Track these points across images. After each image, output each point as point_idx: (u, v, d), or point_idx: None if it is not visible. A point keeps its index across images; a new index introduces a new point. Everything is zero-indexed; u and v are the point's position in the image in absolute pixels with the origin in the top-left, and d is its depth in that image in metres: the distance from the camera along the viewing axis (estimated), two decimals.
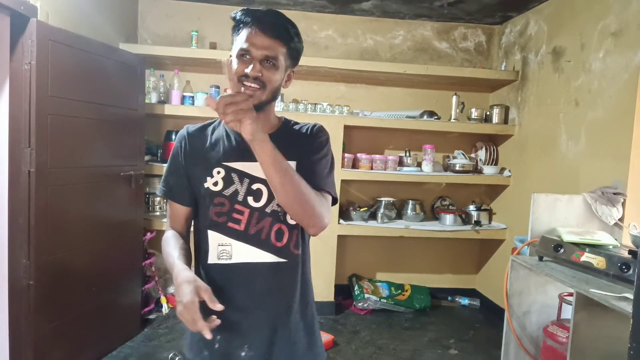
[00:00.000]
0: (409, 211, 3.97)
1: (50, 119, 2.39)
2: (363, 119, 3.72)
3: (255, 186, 1.17)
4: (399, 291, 3.93)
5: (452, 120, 3.86)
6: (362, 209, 3.87)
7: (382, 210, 3.88)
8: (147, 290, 3.50)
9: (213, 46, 3.86)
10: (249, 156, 1.10)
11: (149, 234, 3.45)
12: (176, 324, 3.40)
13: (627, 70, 2.56)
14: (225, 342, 1.17)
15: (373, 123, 3.72)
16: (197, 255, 1.23)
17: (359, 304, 3.81)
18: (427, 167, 3.84)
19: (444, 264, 4.31)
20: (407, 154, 3.92)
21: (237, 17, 1.14)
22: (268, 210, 1.17)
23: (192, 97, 3.61)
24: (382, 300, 3.82)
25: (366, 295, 3.80)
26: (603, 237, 2.25)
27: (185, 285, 1.01)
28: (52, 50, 2.38)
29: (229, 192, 1.17)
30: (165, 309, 3.57)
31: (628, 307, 1.63)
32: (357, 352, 3.11)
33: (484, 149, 3.98)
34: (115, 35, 3.40)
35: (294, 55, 1.18)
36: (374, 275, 4.26)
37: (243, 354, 1.16)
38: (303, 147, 1.21)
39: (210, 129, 1.26)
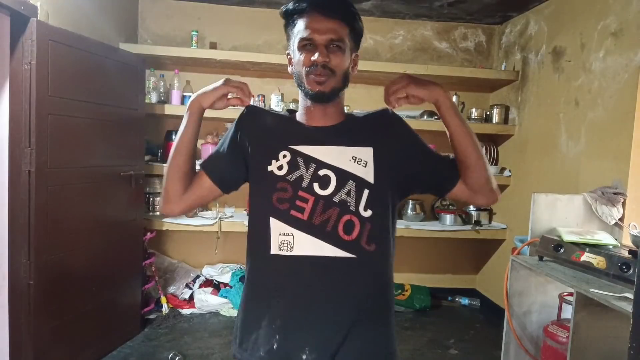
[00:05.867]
0: (409, 211, 3.97)
1: (50, 119, 2.39)
2: None
3: (322, 172, 1.06)
4: (399, 291, 3.93)
5: None
6: None
7: None
8: (147, 290, 3.49)
9: (213, 46, 3.86)
10: (317, 140, 1.08)
11: (149, 234, 3.44)
12: (176, 323, 3.40)
13: (627, 70, 2.55)
14: (284, 342, 1.03)
15: None
16: (253, 248, 1.11)
17: None
18: None
19: (444, 264, 4.31)
20: None
21: (290, 8, 1.06)
22: (336, 199, 1.05)
23: None
24: None
25: None
26: (603, 237, 2.24)
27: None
28: (52, 50, 2.37)
29: (292, 177, 1.06)
30: (165, 309, 3.56)
31: (628, 307, 1.63)
32: None
33: (484, 148, 3.97)
34: (115, 35, 3.39)
35: (358, 37, 1.10)
36: None
37: (304, 357, 1.02)
38: (379, 133, 1.15)
39: (272, 112, 1.23)
